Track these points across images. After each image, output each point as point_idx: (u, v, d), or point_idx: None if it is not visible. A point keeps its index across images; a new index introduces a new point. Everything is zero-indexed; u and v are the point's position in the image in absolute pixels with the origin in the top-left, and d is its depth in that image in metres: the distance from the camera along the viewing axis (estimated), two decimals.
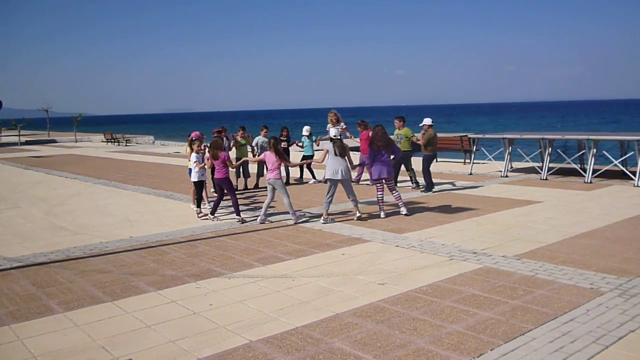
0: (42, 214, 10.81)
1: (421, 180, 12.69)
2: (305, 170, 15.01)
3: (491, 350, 4.21)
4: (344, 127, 13.93)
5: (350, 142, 13.80)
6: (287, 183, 13.80)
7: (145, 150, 31.81)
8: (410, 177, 13.01)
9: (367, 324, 4.80)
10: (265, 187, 13.52)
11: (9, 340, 4.65)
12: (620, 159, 13.63)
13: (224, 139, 12.11)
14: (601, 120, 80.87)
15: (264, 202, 9.46)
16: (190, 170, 10.64)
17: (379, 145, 9.62)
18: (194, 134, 10.80)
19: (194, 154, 10.31)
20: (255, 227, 9.04)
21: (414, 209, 10.26)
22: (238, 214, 9.44)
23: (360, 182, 13.82)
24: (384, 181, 9.75)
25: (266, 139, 13.74)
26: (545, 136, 14.98)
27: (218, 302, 5.45)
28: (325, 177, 9.41)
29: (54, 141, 43.83)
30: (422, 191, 12.19)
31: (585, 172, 13.49)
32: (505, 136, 15.71)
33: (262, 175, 13.87)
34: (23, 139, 41.54)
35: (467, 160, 17.75)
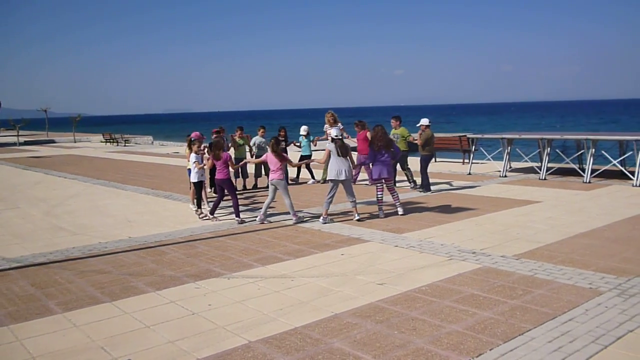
0: (41, 214, 10.80)
1: (418, 179, 12.71)
2: (304, 170, 15.00)
3: (490, 350, 4.21)
4: (341, 127, 13.92)
5: (347, 142, 13.79)
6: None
7: (144, 150, 31.79)
8: (408, 177, 13.01)
9: (366, 324, 4.80)
10: (264, 187, 13.58)
11: (8, 341, 4.65)
12: (619, 159, 13.64)
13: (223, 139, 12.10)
14: (600, 120, 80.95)
15: (263, 202, 9.46)
16: (189, 170, 10.63)
17: (379, 145, 9.62)
18: (193, 134, 10.78)
19: (193, 154, 10.28)
20: (254, 227, 9.04)
21: (413, 209, 10.26)
22: (237, 215, 9.43)
23: (358, 182, 13.82)
24: (383, 181, 9.75)
25: (263, 139, 13.74)
26: (544, 136, 14.98)
27: (217, 303, 5.45)
28: (329, 178, 9.35)
29: (53, 141, 43.80)
30: (420, 191, 12.19)
31: (584, 172, 13.49)
32: (504, 136, 15.71)
33: (260, 175, 13.87)
34: (22, 139, 41.50)
35: (466, 160, 17.75)
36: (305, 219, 9.44)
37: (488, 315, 4.91)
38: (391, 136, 12.31)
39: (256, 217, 9.55)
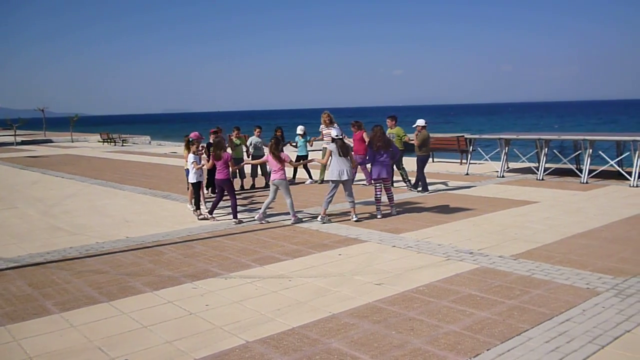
0: (38, 214, 10.78)
1: (412, 179, 12.73)
2: (301, 170, 14.99)
3: (488, 350, 4.21)
4: (333, 128, 13.93)
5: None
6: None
7: (142, 150, 31.76)
8: (403, 177, 13.02)
9: (364, 324, 4.80)
10: (261, 187, 13.59)
11: (5, 341, 4.64)
12: (617, 159, 13.67)
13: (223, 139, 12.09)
14: (598, 121, 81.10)
15: (260, 202, 9.45)
16: (187, 171, 10.58)
17: (378, 145, 9.63)
18: (192, 135, 10.74)
19: (191, 155, 10.21)
20: (252, 227, 9.03)
21: (410, 209, 10.27)
22: (235, 216, 9.42)
23: (355, 183, 13.82)
24: (382, 181, 9.76)
25: (260, 139, 13.73)
26: (542, 136, 15.01)
27: (215, 303, 5.44)
28: (331, 179, 9.31)
29: (50, 141, 43.74)
30: (418, 191, 12.20)
31: (581, 172, 13.52)
32: (501, 136, 15.73)
33: (256, 175, 13.87)
34: (19, 139, 41.45)
35: (464, 161, 17.77)
36: (303, 220, 9.44)
37: (485, 316, 4.91)
38: (388, 136, 12.32)
39: (254, 217, 9.55)
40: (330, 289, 5.79)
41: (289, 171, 15.18)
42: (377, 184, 9.78)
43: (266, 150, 14.34)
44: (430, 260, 6.78)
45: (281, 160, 9.28)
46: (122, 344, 4.51)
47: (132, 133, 53.14)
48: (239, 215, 9.63)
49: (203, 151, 10.77)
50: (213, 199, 10.14)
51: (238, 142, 13.48)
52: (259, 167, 13.83)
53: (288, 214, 9.44)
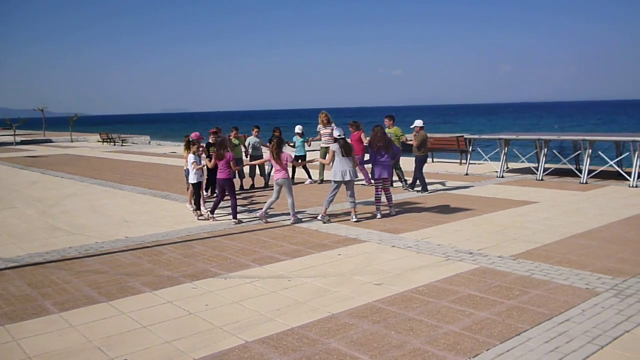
0: (37, 214, 10.77)
1: (409, 179, 12.74)
2: (300, 170, 14.99)
3: (487, 350, 4.21)
4: (334, 127, 13.93)
5: None
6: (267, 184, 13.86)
7: (142, 150, 31.75)
8: (399, 176, 13.02)
9: (363, 324, 4.80)
10: (260, 187, 13.58)
11: (4, 340, 4.64)
12: (616, 160, 13.67)
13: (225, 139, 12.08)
14: (598, 121, 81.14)
15: (260, 202, 9.44)
16: (186, 171, 10.57)
17: (378, 145, 9.63)
18: (193, 135, 10.74)
19: (191, 155, 10.20)
20: (251, 227, 9.03)
21: (410, 209, 10.27)
22: (235, 217, 9.41)
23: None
24: (382, 181, 9.76)
25: (258, 139, 13.74)
26: (541, 137, 15.02)
27: (214, 303, 5.44)
28: (334, 179, 9.30)
29: (50, 141, 43.73)
30: (417, 192, 12.21)
31: (580, 172, 13.52)
32: (501, 137, 15.73)
33: (255, 175, 13.87)
34: (18, 138, 41.44)
35: (464, 161, 17.78)
36: (303, 220, 9.43)
37: (485, 316, 4.91)
38: None
39: (254, 217, 9.54)
40: (329, 289, 5.78)
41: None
42: (378, 184, 9.78)
43: (265, 150, 14.37)
44: (430, 260, 6.78)
45: (281, 163, 9.26)
46: (121, 344, 4.51)
47: (132, 133, 53.15)
48: (239, 216, 9.63)
49: (203, 151, 10.76)
50: (213, 200, 10.13)
51: (236, 142, 13.48)
52: (257, 167, 13.84)
53: (287, 214, 9.43)
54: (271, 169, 14.13)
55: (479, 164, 17.53)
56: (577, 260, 6.60)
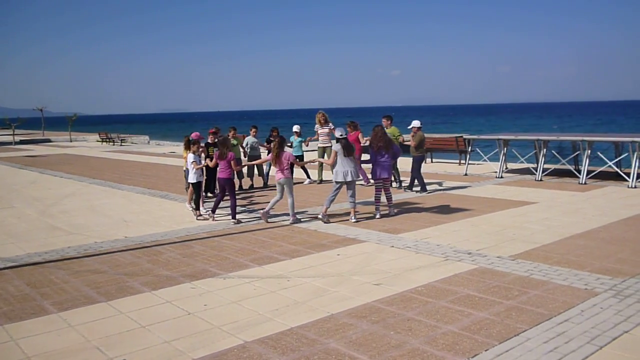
0: (36, 214, 10.76)
1: (405, 179, 12.75)
2: (298, 170, 14.98)
3: (486, 350, 4.22)
4: (332, 127, 13.93)
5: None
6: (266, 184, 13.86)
7: (141, 150, 31.74)
8: (395, 177, 13.04)
9: (362, 324, 4.80)
10: (260, 187, 13.58)
11: (3, 340, 4.63)
12: (615, 160, 13.68)
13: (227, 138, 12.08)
14: (597, 122, 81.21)
15: (259, 202, 9.43)
16: (187, 171, 10.55)
17: (379, 145, 9.63)
18: (194, 135, 10.74)
19: (191, 155, 10.18)
20: (250, 227, 9.03)
21: (409, 209, 10.27)
22: (234, 217, 9.41)
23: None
24: (382, 181, 9.76)
25: (256, 139, 13.74)
26: (540, 137, 15.02)
27: (213, 303, 5.44)
28: (336, 180, 9.29)
29: (49, 141, 43.70)
30: (416, 192, 12.21)
31: (580, 173, 13.53)
32: (500, 137, 15.74)
33: (253, 175, 13.87)
34: (17, 138, 41.40)
35: (463, 161, 17.78)
36: (302, 220, 9.43)
37: (484, 316, 4.92)
38: None
39: (253, 217, 9.53)
40: (328, 289, 5.78)
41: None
42: (378, 184, 9.78)
43: (263, 150, 14.38)
44: (429, 260, 6.78)
45: (281, 161, 9.26)
46: (120, 343, 4.51)
47: (131, 133, 53.13)
48: (238, 216, 9.62)
49: (202, 151, 10.75)
50: (212, 201, 10.11)
51: (235, 142, 13.48)
52: (255, 167, 13.85)
53: (287, 214, 9.43)
54: (269, 168, 14.17)
55: (478, 164, 17.54)
56: (576, 261, 6.60)
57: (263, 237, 8.25)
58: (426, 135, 19.31)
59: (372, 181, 12.39)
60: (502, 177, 14.55)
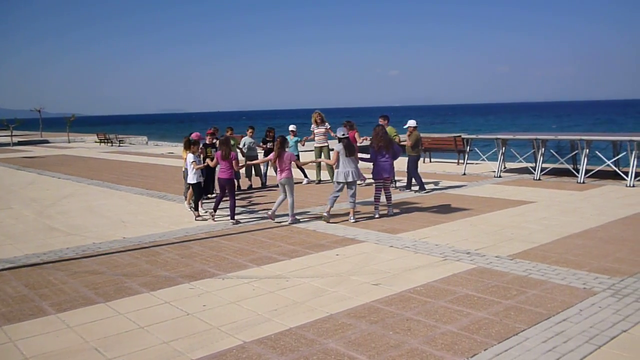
0: (34, 214, 10.75)
1: (402, 179, 12.75)
2: (296, 170, 14.98)
3: (485, 350, 4.22)
4: (328, 127, 13.92)
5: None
6: (264, 184, 13.85)
7: (139, 150, 31.71)
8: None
9: (361, 324, 4.80)
10: (257, 188, 13.57)
11: (2, 342, 4.63)
12: (613, 159, 13.70)
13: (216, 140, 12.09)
14: (596, 121, 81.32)
15: (259, 203, 9.41)
16: (186, 171, 10.52)
17: (380, 145, 9.64)
18: (194, 135, 10.73)
19: (190, 155, 10.15)
20: (249, 227, 9.02)
21: (407, 209, 10.28)
22: (232, 217, 9.40)
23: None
24: (383, 181, 9.77)
25: (253, 140, 13.74)
26: (538, 137, 15.04)
27: (212, 303, 5.43)
28: (337, 181, 9.29)
29: (47, 142, 43.63)
30: (415, 192, 12.22)
31: (578, 172, 13.55)
32: (498, 137, 15.76)
33: (251, 175, 13.86)
34: (15, 139, 41.32)
35: (461, 161, 17.80)
36: (300, 220, 9.43)
37: (482, 316, 4.92)
38: None
39: (252, 218, 9.52)
40: (327, 289, 5.78)
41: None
42: (378, 184, 9.79)
43: (260, 151, 14.37)
44: (428, 260, 6.78)
45: (283, 161, 9.25)
46: (118, 344, 4.50)
47: (129, 133, 53.07)
48: (238, 217, 9.61)
49: (201, 152, 10.74)
50: (210, 202, 10.09)
51: (232, 142, 13.47)
52: (253, 167, 13.85)
53: (286, 214, 9.43)
54: (267, 168, 14.16)
55: (476, 164, 17.54)
56: (574, 260, 6.61)
57: (262, 238, 8.25)
58: (424, 135, 19.33)
59: (365, 180, 12.43)
60: (500, 176, 14.56)
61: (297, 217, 9.47)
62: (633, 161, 12.57)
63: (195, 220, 9.73)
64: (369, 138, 12.69)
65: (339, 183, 9.28)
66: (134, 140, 42.76)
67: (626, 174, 12.80)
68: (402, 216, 9.64)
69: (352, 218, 9.25)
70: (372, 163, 9.85)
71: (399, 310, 5.12)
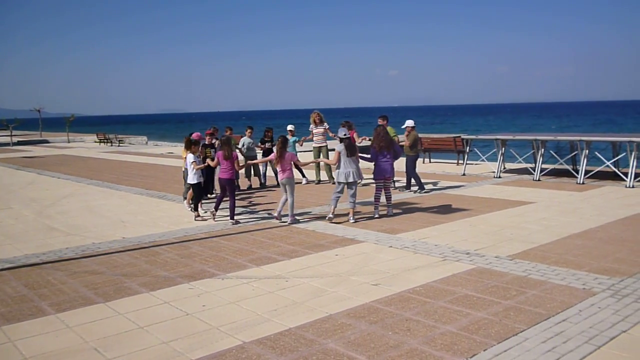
0: (34, 214, 10.74)
1: (401, 179, 12.75)
2: (296, 170, 14.99)
3: (484, 350, 4.22)
4: (327, 127, 13.92)
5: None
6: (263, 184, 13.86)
7: (138, 150, 31.70)
8: None
9: (360, 324, 4.80)
10: (256, 188, 13.57)
11: (1, 342, 4.63)
12: (613, 160, 13.71)
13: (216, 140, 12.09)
14: (595, 122, 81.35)
15: (259, 203, 9.41)
16: (185, 171, 10.51)
17: (381, 145, 9.65)
18: (195, 135, 10.73)
19: (190, 155, 10.14)
20: (248, 228, 9.02)
21: (407, 209, 10.28)
22: (232, 217, 9.40)
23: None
24: (384, 181, 9.77)
25: (251, 140, 13.75)
26: (538, 137, 15.04)
27: (211, 303, 5.43)
28: (338, 181, 9.29)
29: (46, 141, 43.61)
30: (414, 192, 12.22)
31: (577, 173, 13.55)
32: (498, 137, 15.76)
33: (251, 175, 13.87)
34: (15, 139, 41.30)
35: (461, 161, 17.80)
36: (300, 220, 9.43)
37: (482, 316, 4.92)
38: None
39: (251, 218, 9.52)
40: (326, 289, 5.78)
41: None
42: (379, 184, 9.79)
43: (259, 151, 14.37)
44: (427, 260, 6.78)
45: (284, 161, 9.26)
46: (118, 344, 4.50)
47: (129, 133, 53.06)
48: (238, 217, 9.61)
49: (201, 152, 10.74)
50: (210, 202, 10.09)
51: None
52: (252, 167, 13.85)
53: (286, 215, 9.42)
54: (266, 169, 14.16)
55: (476, 164, 17.54)
56: (573, 261, 6.61)
57: (261, 238, 8.25)
58: (424, 135, 19.32)
59: (363, 179, 12.42)
60: (500, 177, 14.56)
61: (297, 217, 9.47)
62: (632, 162, 12.57)
63: (195, 220, 9.73)
64: (367, 138, 12.71)
65: (339, 183, 9.29)
66: (134, 140, 42.75)
67: (626, 174, 12.81)
68: (401, 216, 9.64)
69: (351, 218, 9.25)
70: (372, 163, 9.85)
71: (398, 310, 5.12)
